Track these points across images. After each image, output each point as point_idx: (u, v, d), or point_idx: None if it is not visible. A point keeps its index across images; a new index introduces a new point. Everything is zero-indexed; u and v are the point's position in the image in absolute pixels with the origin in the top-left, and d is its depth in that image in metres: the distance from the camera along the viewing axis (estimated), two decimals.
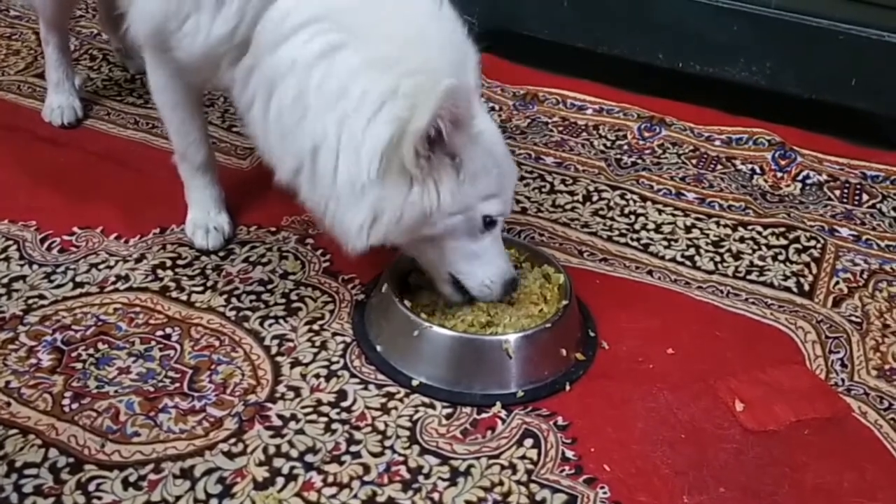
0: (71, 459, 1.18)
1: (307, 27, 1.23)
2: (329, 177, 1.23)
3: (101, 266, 1.53)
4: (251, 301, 1.48)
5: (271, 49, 1.25)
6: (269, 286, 1.52)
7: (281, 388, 1.33)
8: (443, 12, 1.30)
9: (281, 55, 1.24)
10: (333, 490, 1.18)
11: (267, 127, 1.28)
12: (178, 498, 1.15)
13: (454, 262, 1.35)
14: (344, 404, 1.31)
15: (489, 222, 1.33)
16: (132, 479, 1.17)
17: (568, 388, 1.38)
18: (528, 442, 1.28)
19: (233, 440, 1.23)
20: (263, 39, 1.26)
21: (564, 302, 1.42)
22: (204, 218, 1.61)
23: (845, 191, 1.95)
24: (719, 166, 2.02)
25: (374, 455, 1.24)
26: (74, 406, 1.26)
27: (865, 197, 1.93)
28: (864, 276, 1.68)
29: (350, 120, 1.20)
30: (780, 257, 1.72)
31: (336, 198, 1.23)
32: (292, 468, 1.20)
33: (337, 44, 1.22)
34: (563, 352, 1.40)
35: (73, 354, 1.35)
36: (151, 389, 1.30)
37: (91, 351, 1.36)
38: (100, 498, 1.14)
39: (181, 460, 1.20)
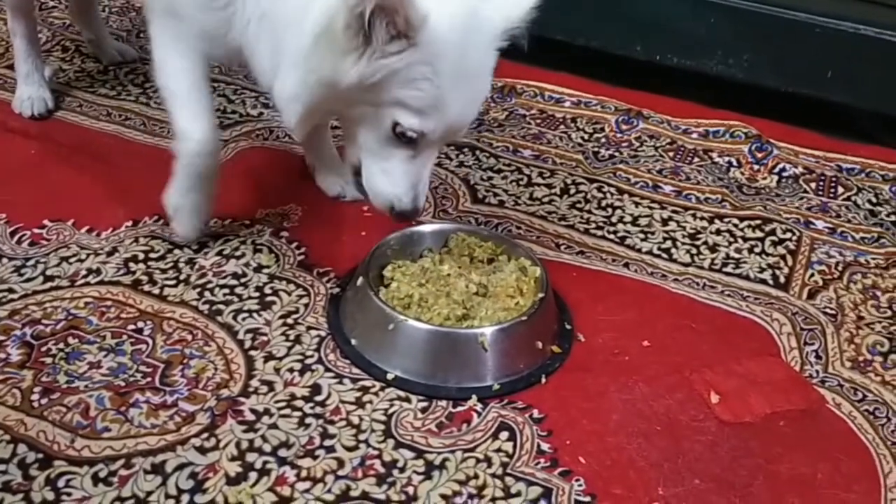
0: (40, 455, 1.17)
1: None
2: (283, 49, 1.29)
3: (72, 259, 1.51)
4: (224, 295, 1.47)
5: None
6: (243, 279, 1.51)
7: (254, 383, 1.31)
8: None
9: None
10: (307, 485, 1.17)
11: (261, 43, 1.33)
12: (149, 493, 1.13)
13: (362, 152, 1.34)
14: (318, 398, 1.30)
15: (401, 135, 1.28)
16: (102, 474, 1.15)
17: (544, 380, 1.37)
18: (504, 435, 1.27)
19: (205, 435, 1.22)
20: None
21: (540, 295, 1.42)
22: (191, 209, 1.53)
23: (821, 183, 1.96)
24: (696, 159, 2.02)
25: (349, 449, 1.23)
26: (44, 401, 1.24)
27: (841, 189, 1.94)
28: (839, 268, 1.69)
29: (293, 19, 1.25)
30: (756, 250, 1.73)
31: (283, 69, 1.29)
32: (265, 463, 1.19)
33: None
34: (539, 344, 1.40)
35: (43, 349, 1.33)
36: (122, 384, 1.28)
37: (61, 345, 1.34)
38: (69, 494, 1.12)
39: (152, 455, 1.18)
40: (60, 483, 1.13)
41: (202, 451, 1.20)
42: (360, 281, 1.43)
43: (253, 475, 1.17)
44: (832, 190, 1.94)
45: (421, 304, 1.41)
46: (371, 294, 1.39)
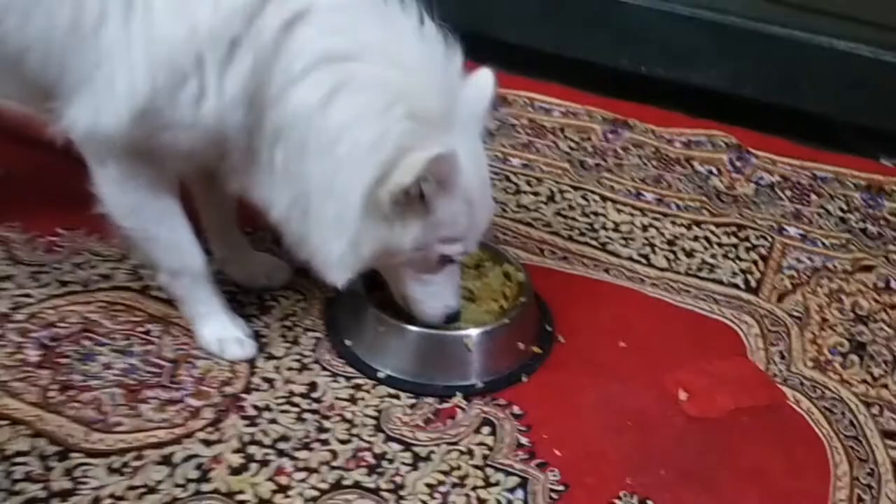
0: (58, 448, 1.27)
1: (311, 72, 1.19)
2: (318, 215, 1.25)
3: (84, 266, 1.61)
4: (227, 299, 1.56)
5: (278, 98, 1.20)
6: (244, 286, 1.60)
7: (256, 380, 1.41)
8: (430, 44, 1.26)
9: (288, 104, 1.20)
10: (303, 475, 1.27)
11: (267, 177, 1.26)
12: (158, 483, 1.24)
13: (406, 285, 1.40)
14: (314, 395, 1.40)
15: (446, 259, 1.36)
16: (116, 465, 1.25)
17: (524, 379, 1.47)
18: (486, 429, 1.37)
19: (210, 429, 1.32)
20: (271, 90, 1.20)
21: (522, 299, 1.52)
22: (225, 329, 1.45)
23: (796, 191, 2.06)
24: (678, 167, 2.12)
25: (342, 442, 1.33)
26: (61, 398, 1.35)
27: (814, 197, 2.04)
28: (808, 273, 1.79)
29: (344, 166, 1.21)
30: (731, 255, 1.83)
31: (321, 234, 1.26)
32: (265, 455, 1.30)
33: (337, 86, 1.20)
34: (521, 345, 1.50)
35: (59, 350, 1.43)
36: (133, 382, 1.38)
37: (76, 347, 1.44)
38: (85, 483, 1.23)
39: (161, 448, 1.28)
40: (77, 473, 1.24)
41: (207, 443, 1.30)
42: (353, 285, 1.53)
43: (254, 466, 1.28)
44: (806, 197, 2.04)
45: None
46: (363, 299, 1.49)
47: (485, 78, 1.36)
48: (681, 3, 2.23)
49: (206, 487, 1.24)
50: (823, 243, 1.89)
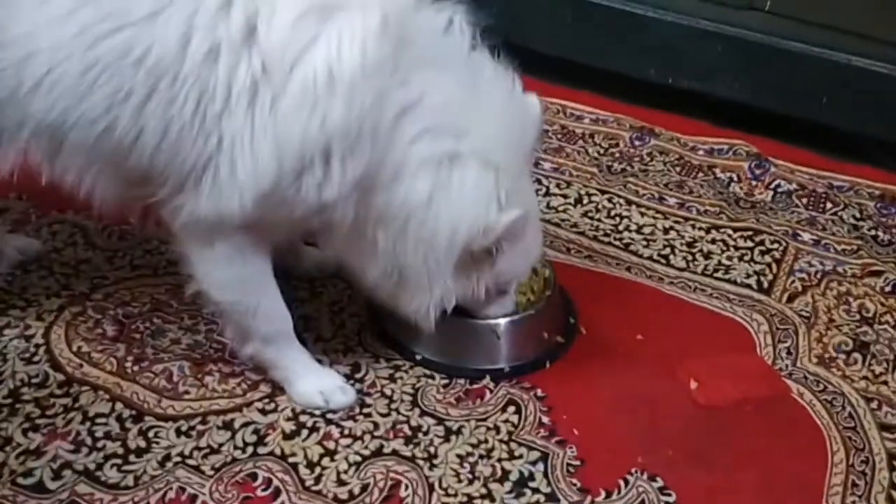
0: (133, 412, 1.44)
1: (419, 170, 1.29)
2: (413, 284, 1.38)
3: (153, 252, 1.78)
4: (281, 286, 1.72)
5: (387, 187, 1.29)
6: (296, 275, 1.76)
7: None
8: (512, 101, 1.39)
9: (396, 196, 1.29)
10: (348, 441, 1.43)
11: (366, 251, 1.36)
12: (220, 445, 1.40)
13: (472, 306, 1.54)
14: (358, 375, 1.56)
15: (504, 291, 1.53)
16: (183, 428, 1.42)
17: (548, 366, 1.62)
18: (511, 409, 1.52)
19: (266, 400, 1.49)
20: (381, 178, 1.28)
21: (548, 293, 1.66)
22: (323, 380, 1.50)
23: (812, 199, 2.17)
24: (700, 174, 2.24)
25: (382, 415, 1.49)
26: (136, 368, 1.52)
27: (829, 205, 2.15)
28: (818, 276, 1.91)
29: (441, 251, 1.35)
30: (746, 258, 1.95)
31: (413, 295, 1.41)
32: (315, 423, 1.46)
33: (440, 185, 1.30)
34: (546, 335, 1.65)
35: (133, 326, 1.60)
36: (199, 357, 1.55)
37: (147, 324, 1.61)
38: (157, 443, 1.40)
39: (223, 414, 1.45)
40: (150, 434, 1.41)
41: (264, 412, 1.46)
42: None
43: (304, 432, 1.44)
44: (821, 205, 2.15)
45: None
46: None
47: (534, 108, 1.45)
48: (705, 19, 2.35)
49: (262, 450, 1.40)
50: (835, 248, 2.00)
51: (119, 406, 1.45)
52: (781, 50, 2.30)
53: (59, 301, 1.64)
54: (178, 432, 1.42)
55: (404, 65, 1.27)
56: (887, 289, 1.88)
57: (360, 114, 1.22)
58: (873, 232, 2.07)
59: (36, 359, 1.51)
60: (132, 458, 1.37)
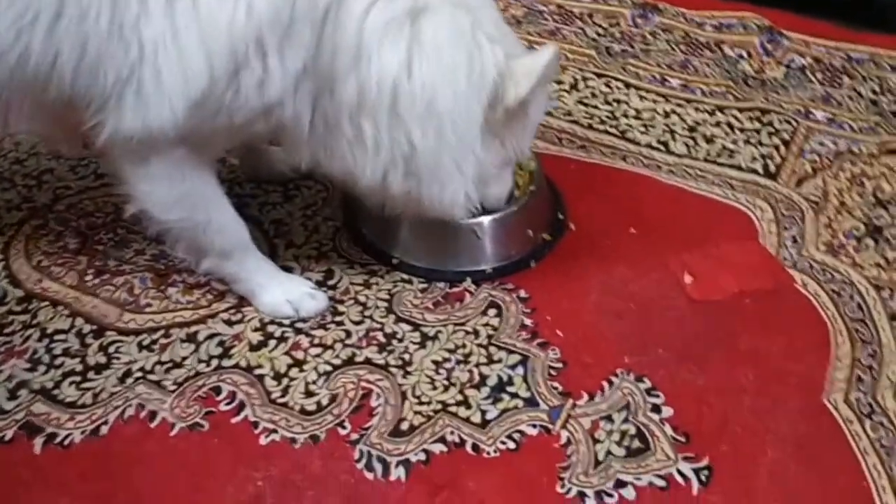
0: (94, 326, 1.38)
1: (382, 39, 1.17)
2: (432, 170, 1.26)
3: None
4: (251, 188, 1.64)
5: (350, 71, 1.17)
6: (266, 179, 1.67)
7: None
8: None
9: (366, 76, 1.18)
10: (318, 350, 1.36)
11: (353, 149, 1.24)
12: (184, 358, 1.34)
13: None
14: (331, 282, 1.48)
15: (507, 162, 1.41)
16: (145, 342, 1.36)
17: (533, 265, 1.52)
18: (492, 312, 1.44)
19: (233, 311, 1.42)
20: (338, 62, 1.17)
21: (532, 188, 1.55)
22: (290, 288, 1.41)
23: (827, 74, 2.01)
24: (707, 52, 2.08)
25: (355, 323, 1.41)
26: (96, 282, 1.45)
27: (846, 79, 1.99)
28: (831, 157, 1.77)
29: (451, 117, 1.22)
30: (752, 140, 1.82)
31: (440, 185, 1.28)
32: (283, 332, 1.39)
33: (413, 46, 1.19)
34: (530, 233, 1.54)
35: (96, 238, 1.53)
36: (162, 268, 1.48)
37: (111, 235, 1.54)
38: (118, 358, 1.34)
39: (187, 327, 1.39)
40: (111, 349, 1.35)
41: (229, 323, 1.40)
42: None
43: (272, 342, 1.37)
44: (838, 80, 2.00)
45: None
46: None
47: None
48: None
49: (227, 363, 1.34)
50: (851, 126, 1.86)
51: (79, 321, 1.39)
52: None
53: (20, 214, 1.57)
54: (140, 346, 1.36)
55: None
56: None
57: (288, 2, 1.11)
58: (893, 107, 1.92)
59: None
60: (91, 374, 1.31)
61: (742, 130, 1.84)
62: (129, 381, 1.30)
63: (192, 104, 1.13)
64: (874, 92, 1.95)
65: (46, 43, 1.09)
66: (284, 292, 1.41)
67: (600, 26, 2.17)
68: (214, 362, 1.34)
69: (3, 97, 1.16)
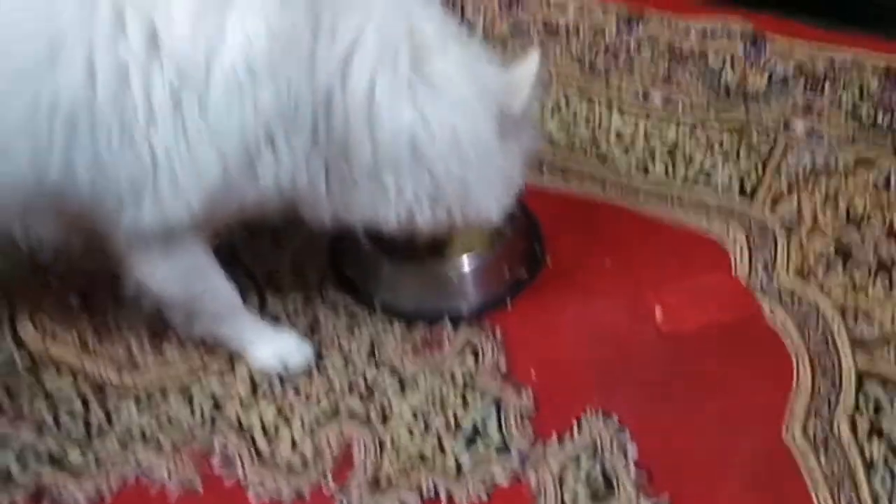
0: (95, 387, 1.48)
1: (395, 98, 1.23)
2: (460, 194, 1.33)
3: None
4: (242, 236, 1.70)
5: (368, 136, 1.23)
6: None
7: (266, 319, 1.56)
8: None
9: (383, 137, 1.24)
10: (303, 402, 1.45)
11: (377, 199, 1.31)
12: (179, 417, 1.43)
13: None
14: (316, 330, 1.55)
15: None
16: (143, 401, 1.46)
17: (509, 303, 1.59)
18: (468, 354, 1.51)
19: (225, 366, 1.50)
20: (356, 133, 1.23)
21: (508, 231, 1.60)
22: (278, 343, 1.49)
23: (809, 81, 2.02)
24: (690, 63, 2.10)
25: (339, 372, 1.49)
26: (97, 341, 1.54)
27: (828, 86, 2.00)
28: (807, 172, 1.80)
29: (469, 147, 1.29)
30: (731, 158, 1.85)
31: (471, 204, 1.35)
32: (272, 385, 1.47)
33: (418, 94, 1.24)
34: (507, 272, 1.61)
35: (96, 296, 1.62)
36: (158, 324, 1.53)
37: (110, 292, 1.62)
38: (118, 419, 1.43)
39: (182, 385, 1.48)
40: (111, 409, 1.44)
41: (222, 378, 1.48)
42: None
43: (261, 396, 1.45)
44: (820, 87, 2.00)
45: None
46: (360, 235, 1.61)
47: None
48: None
49: (220, 420, 1.42)
50: (829, 137, 1.88)
51: (81, 382, 1.49)
52: None
53: (23, 274, 1.66)
54: (139, 406, 1.45)
55: (325, 19, 1.20)
56: (880, 182, 1.77)
57: (289, 89, 1.18)
58: (872, 115, 1.93)
59: (1, 340, 1.55)
60: (94, 438, 1.41)
61: (721, 145, 1.87)
62: (130, 442, 1.40)
63: (208, 197, 1.21)
64: (854, 98, 1.96)
65: (62, 164, 1.17)
66: (273, 348, 1.49)
67: (585, 40, 2.19)
68: (208, 419, 1.43)
69: (24, 215, 1.26)
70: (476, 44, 1.36)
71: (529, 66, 1.32)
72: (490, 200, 1.38)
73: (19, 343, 1.55)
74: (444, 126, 1.27)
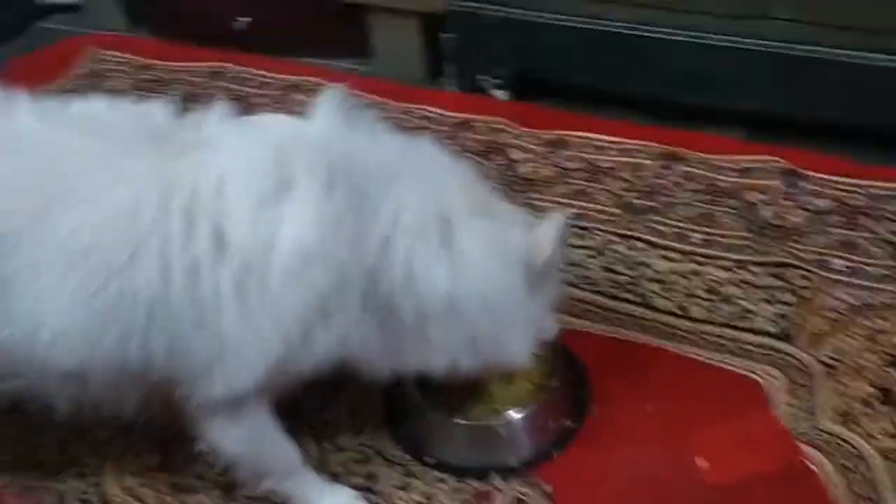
0: None
1: (429, 265, 1.37)
2: (496, 343, 1.47)
3: None
4: (298, 396, 1.81)
5: (408, 297, 1.37)
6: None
7: (324, 476, 1.67)
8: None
9: (421, 297, 1.37)
10: None
11: (423, 351, 1.44)
12: None
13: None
14: (372, 485, 1.64)
15: None
16: None
17: (555, 455, 1.66)
18: None
19: None
20: (398, 296, 1.37)
21: (554, 384, 1.69)
22: (338, 499, 1.60)
23: (847, 216, 2.08)
24: (730, 200, 2.18)
25: None
26: (174, 502, 1.66)
27: (865, 220, 2.05)
28: (847, 312, 1.84)
29: (500, 304, 1.43)
30: (770, 299, 1.90)
31: (503, 349, 1.49)
32: None
33: (451, 256, 1.38)
34: (552, 423, 1.68)
35: (172, 452, 1.74)
36: (229, 482, 1.66)
37: (185, 447, 1.74)
38: None
39: None
40: None
41: None
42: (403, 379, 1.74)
43: None
44: (855, 221, 2.05)
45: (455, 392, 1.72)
46: (410, 388, 1.71)
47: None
48: (722, 34, 2.27)
49: None
50: (869, 274, 1.92)
51: None
52: (803, 57, 2.20)
53: (108, 432, 1.80)
54: None
55: (368, 204, 1.35)
56: None
57: (339, 269, 1.32)
58: None
59: (90, 498, 1.68)
60: None
61: (760, 288, 1.93)
62: None
63: (271, 368, 1.35)
64: (893, 232, 2.01)
65: (142, 348, 1.32)
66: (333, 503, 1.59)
67: (626, 180, 2.29)
68: None
69: (109, 392, 1.41)
70: (503, 208, 1.50)
71: (554, 224, 1.45)
72: (519, 346, 1.51)
73: (105, 501, 1.68)
74: (473, 289, 1.40)
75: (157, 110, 1.40)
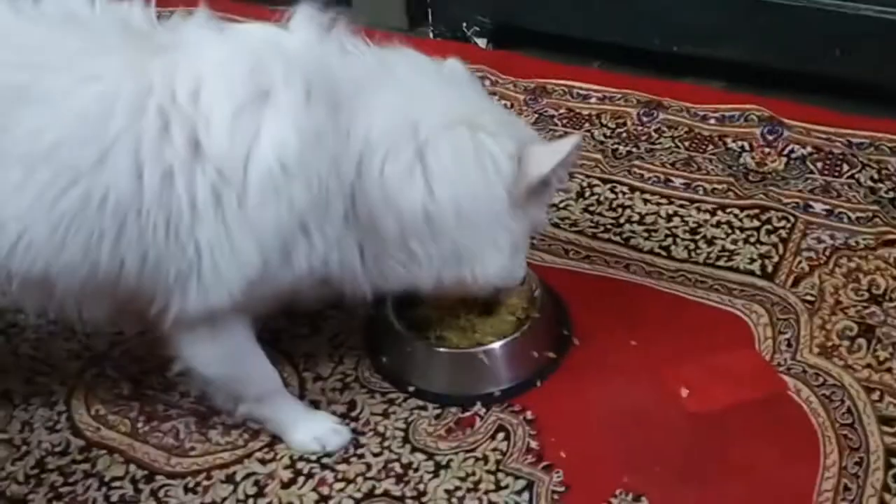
0: (145, 472, 1.55)
1: (404, 179, 1.34)
2: (475, 259, 1.43)
3: None
4: (281, 325, 1.79)
5: (386, 212, 1.34)
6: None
7: (304, 402, 1.64)
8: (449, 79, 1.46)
9: (400, 212, 1.34)
10: (342, 485, 1.50)
11: (408, 266, 1.41)
12: (223, 499, 1.49)
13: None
14: (353, 413, 1.62)
15: None
16: (191, 485, 1.52)
17: (538, 384, 1.65)
18: (500, 436, 1.56)
19: (266, 449, 1.56)
20: (377, 212, 1.34)
21: (535, 315, 1.68)
22: (316, 425, 1.57)
23: (827, 162, 2.09)
24: (710, 146, 2.18)
25: (375, 455, 1.54)
26: (146, 428, 1.62)
27: (846, 167, 2.07)
28: (827, 252, 1.85)
29: (478, 217, 1.40)
30: (752, 239, 1.91)
31: (483, 267, 1.45)
32: (311, 469, 1.53)
33: (424, 170, 1.35)
34: (535, 354, 1.67)
35: (146, 383, 1.71)
36: (204, 410, 1.63)
37: (160, 378, 1.71)
38: (167, 501, 1.50)
39: (226, 468, 1.54)
40: (161, 494, 1.51)
41: (263, 462, 1.55)
42: (387, 305, 1.72)
43: (301, 479, 1.52)
44: (837, 168, 2.07)
45: (436, 324, 1.70)
46: (393, 320, 1.69)
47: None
48: None
49: (262, 502, 1.49)
50: (849, 217, 1.93)
51: (133, 468, 1.56)
52: (787, 6, 2.20)
53: (79, 363, 1.76)
54: (186, 489, 1.52)
55: (343, 117, 1.32)
56: None
57: (320, 184, 1.29)
58: (891, 194, 1.98)
59: (59, 426, 1.64)
60: None
61: (742, 230, 1.93)
62: None
63: (248, 284, 1.31)
64: (873, 179, 2.02)
65: (112, 256, 1.27)
66: (312, 430, 1.56)
67: (607, 127, 2.29)
68: (251, 502, 1.49)
69: (77, 301, 1.37)
70: (495, 118, 1.44)
71: (564, 144, 1.44)
72: (497, 264, 1.47)
73: (74, 428, 1.63)
74: (446, 200, 1.36)
75: (135, 11, 1.35)
